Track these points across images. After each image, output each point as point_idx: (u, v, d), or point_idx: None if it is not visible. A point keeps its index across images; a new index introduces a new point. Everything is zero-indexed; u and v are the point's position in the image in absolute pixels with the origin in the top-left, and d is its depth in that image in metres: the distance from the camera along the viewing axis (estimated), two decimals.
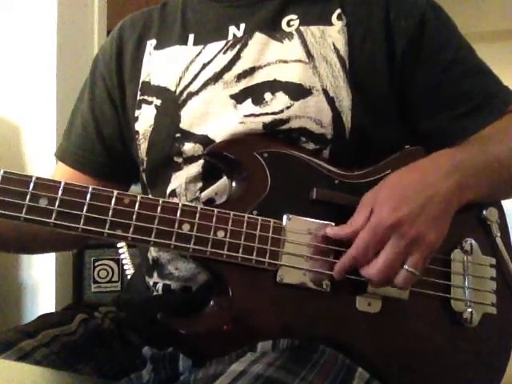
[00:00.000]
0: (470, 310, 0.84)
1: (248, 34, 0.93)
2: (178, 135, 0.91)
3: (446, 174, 0.80)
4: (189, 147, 0.90)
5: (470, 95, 0.91)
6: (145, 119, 0.96)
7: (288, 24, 0.92)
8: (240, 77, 0.90)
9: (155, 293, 0.94)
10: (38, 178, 0.76)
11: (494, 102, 0.92)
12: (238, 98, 0.90)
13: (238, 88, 0.90)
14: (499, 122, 0.90)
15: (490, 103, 0.92)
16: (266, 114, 0.87)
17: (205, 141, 0.89)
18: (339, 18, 0.91)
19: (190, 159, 0.90)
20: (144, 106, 0.97)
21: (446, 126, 0.91)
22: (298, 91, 0.87)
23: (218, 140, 0.88)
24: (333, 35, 0.90)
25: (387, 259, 0.76)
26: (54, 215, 0.75)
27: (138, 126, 0.96)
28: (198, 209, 0.79)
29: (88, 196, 0.76)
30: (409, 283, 0.78)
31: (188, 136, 0.91)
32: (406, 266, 0.76)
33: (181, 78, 0.94)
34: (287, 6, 0.94)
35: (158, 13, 1.04)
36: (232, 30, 0.94)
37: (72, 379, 0.74)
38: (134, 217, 0.77)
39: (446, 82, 0.91)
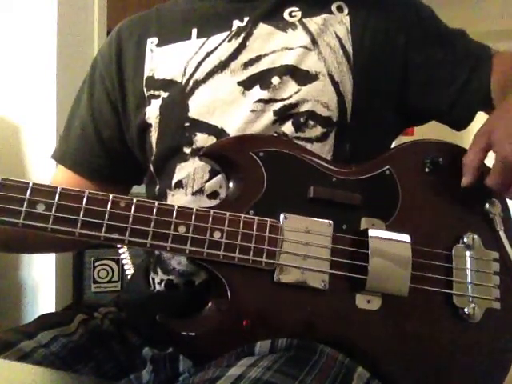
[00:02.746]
0: (472, 305, 0.83)
1: (252, 24, 0.94)
2: (187, 124, 0.92)
3: None
4: (201, 138, 0.91)
5: (466, 57, 0.97)
6: (153, 111, 0.96)
7: (290, 15, 0.95)
8: (246, 65, 0.92)
9: (158, 288, 0.94)
10: (34, 184, 0.76)
11: (483, 55, 0.98)
12: (246, 84, 0.91)
13: (245, 75, 0.92)
14: (496, 67, 0.96)
15: (481, 58, 0.97)
16: (275, 100, 0.89)
17: (219, 134, 0.90)
18: (339, 8, 0.94)
19: (199, 150, 0.90)
20: (153, 100, 0.97)
21: (461, 94, 0.95)
22: (304, 76, 0.90)
23: (232, 133, 0.89)
24: (334, 24, 0.93)
25: None
26: (51, 220, 0.75)
27: (149, 120, 0.97)
28: (194, 210, 0.78)
29: (84, 200, 0.76)
30: None
31: (198, 125, 0.92)
32: None
33: (185, 68, 0.95)
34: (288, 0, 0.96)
35: (155, 14, 1.05)
36: (236, 23, 0.96)
37: (72, 379, 0.74)
38: (130, 220, 0.77)
39: (442, 56, 0.96)
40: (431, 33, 0.98)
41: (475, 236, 0.86)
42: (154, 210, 0.77)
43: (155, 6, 1.07)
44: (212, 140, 0.90)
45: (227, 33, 0.95)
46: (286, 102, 0.89)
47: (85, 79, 1.09)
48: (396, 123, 1.00)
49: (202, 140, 0.91)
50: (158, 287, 0.94)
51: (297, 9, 0.95)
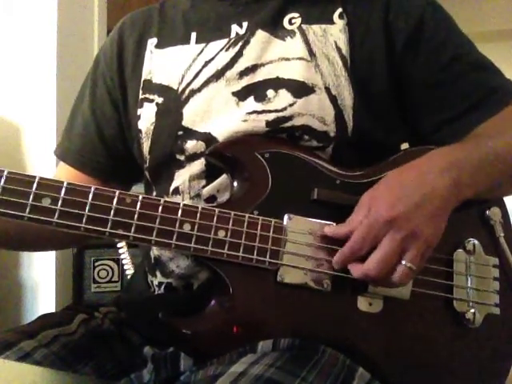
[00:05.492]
0: (472, 310, 0.84)
1: (250, 32, 0.93)
2: (180, 133, 0.92)
3: (442, 173, 0.80)
4: (191, 145, 0.90)
5: (469, 93, 0.91)
6: (146, 117, 0.96)
7: (290, 22, 0.93)
8: (242, 74, 0.91)
9: (157, 291, 0.94)
10: (41, 178, 0.77)
11: (494, 97, 0.91)
12: (241, 95, 0.90)
13: (240, 85, 0.90)
14: (497, 117, 0.90)
15: (489, 99, 0.91)
16: (269, 111, 0.88)
17: (207, 138, 0.89)
18: (341, 16, 0.92)
19: (193, 157, 0.90)
20: (146, 104, 0.97)
21: (445, 126, 0.91)
22: (300, 89, 0.88)
23: (220, 138, 0.88)
24: (334, 34, 0.91)
25: (384, 253, 0.75)
26: (56, 215, 0.76)
27: (140, 125, 0.97)
28: (199, 208, 0.79)
29: (90, 196, 0.77)
30: (407, 279, 0.77)
31: (190, 134, 0.91)
32: (403, 262, 0.75)
33: (183, 77, 0.94)
34: (289, 5, 0.94)
35: (158, 11, 1.04)
36: (234, 28, 0.94)
37: (72, 379, 0.74)
38: (136, 216, 0.77)
39: (444, 81, 0.91)
40: (440, 52, 0.92)
41: (476, 242, 0.87)
42: (160, 207, 0.78)
43: (159, 2, 1.06)
44: (201, 145, 0.90)
45: (225, 40, 0.94)
46: (279, 114, 0.87)
47: (87, 75, 1.08)
48: (402, 133, 0.96)
49: (192, 146, 0.90)
50: (157, 290, 0.94)
51: (297, 15, 0.93)
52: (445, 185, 0.79)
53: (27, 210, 0.75)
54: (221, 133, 0.88)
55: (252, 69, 0.91)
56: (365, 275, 0.76)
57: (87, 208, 0.76)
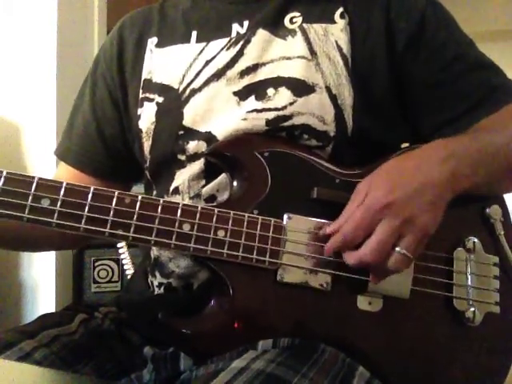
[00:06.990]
0: (472, 309, 0.84)
1: (251, 31, 0.93)
2: (181, 133, 0.92)
3: (441, 162, 0.80)
4: (192, 145, 0.90)
5: (470, 93, 0.91)
6: (147, 117, 0.96)
7: (291, 21, 0.93)
8: (243, 73, 0.91)
9: (156, 291, 0.94)
10: (40, 179, 0.76)
11: (494, 95, 0.91)
12: (242, 94, 0.90)
13: (241, 85, 0.90)
14: (497, 114, 0.90)
15: (490, 97, 0.91)
16: (269, 109, 0.88)
17: (208, 138, 0.89)
18: (342, 16, 0.92)
19: (193, 157, 0.90)
20: (146, 103, 0.97)
21: (445, 126, 0.91)
22: (301, 87, 0.88)
23: (220, 137, 0.88)
24: (335, 33, 0.91)
25: (379, 238, 0.75)
26: (55, 215, 0.76)
27: (141, 124, 0.97)
28: (199, 208, 0.79)
29: (89, 196, 0.77)
30: (402, 266, 0.76)
31: (191, 133, 0.91)
32: (397, 248, 0.75)
33: (184, 76, 0.94)
34: (290, 4, 0.94)
35: (158, 11, 1.04)
36: (235, 27, 0.95)
37: (72, 379, 0.74)
38: (135, 217, 0.77)
39: (444, 81, 0.91)
40: (441, 52, 0.92)
41: (476, 240, 0.87)
42: (159, 208, 0.78)
43: (158, 1, 1.06)
44: (202, 144, 0.90)
45: (226, 39, 0.94)
46: (279, 113, 0.87)
47: (87, 75, 1.08)
48: (402, 132, 0.96)
49: (194, 147, 0.90)
50: (157, 290, 0.94)
51: (298, 14, 0.93)
52: (443, 174, 0.79)
53: (26, 210, 0.75)
54: (220, 132, 0.88)
55: (253, 68, 0.91)
56: (359, 261, 0.76)
57: (86, 209, 0.76)
